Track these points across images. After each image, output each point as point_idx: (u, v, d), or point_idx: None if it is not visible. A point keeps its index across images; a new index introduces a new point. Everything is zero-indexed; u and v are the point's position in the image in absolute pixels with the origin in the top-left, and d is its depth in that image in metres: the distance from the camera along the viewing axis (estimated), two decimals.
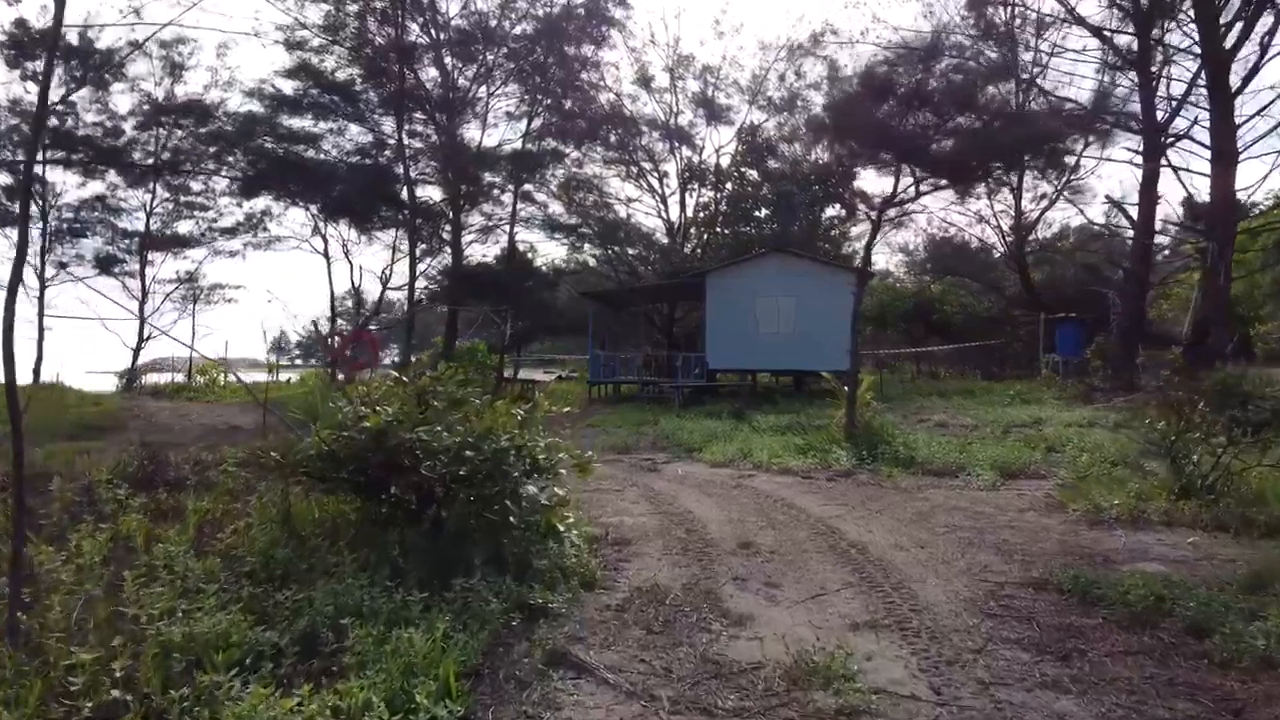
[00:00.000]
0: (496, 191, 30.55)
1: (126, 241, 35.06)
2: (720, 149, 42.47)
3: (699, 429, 17.17)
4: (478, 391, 6.70)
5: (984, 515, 8.41)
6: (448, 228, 28.76)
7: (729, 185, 41.50)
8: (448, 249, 29.00)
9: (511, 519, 5.66)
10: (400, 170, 23.31)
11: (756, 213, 40.46)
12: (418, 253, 24.83)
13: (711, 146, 42.29)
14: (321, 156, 23.25)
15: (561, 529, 6.31)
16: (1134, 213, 27.20)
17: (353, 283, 22.62)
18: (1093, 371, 26.47)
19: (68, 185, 34.66)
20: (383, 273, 22.98)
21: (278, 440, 7.78)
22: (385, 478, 5.66)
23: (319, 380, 33.90)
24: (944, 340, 42.00)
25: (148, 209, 35.91)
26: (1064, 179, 38.00)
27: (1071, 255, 42.95)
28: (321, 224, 23.25)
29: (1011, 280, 44.52)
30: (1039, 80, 33.27)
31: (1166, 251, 41.76)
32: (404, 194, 23.75)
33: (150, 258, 36.62)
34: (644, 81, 40.04)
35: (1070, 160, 34.92)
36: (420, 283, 26.46)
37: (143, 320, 36.75)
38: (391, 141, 23.80)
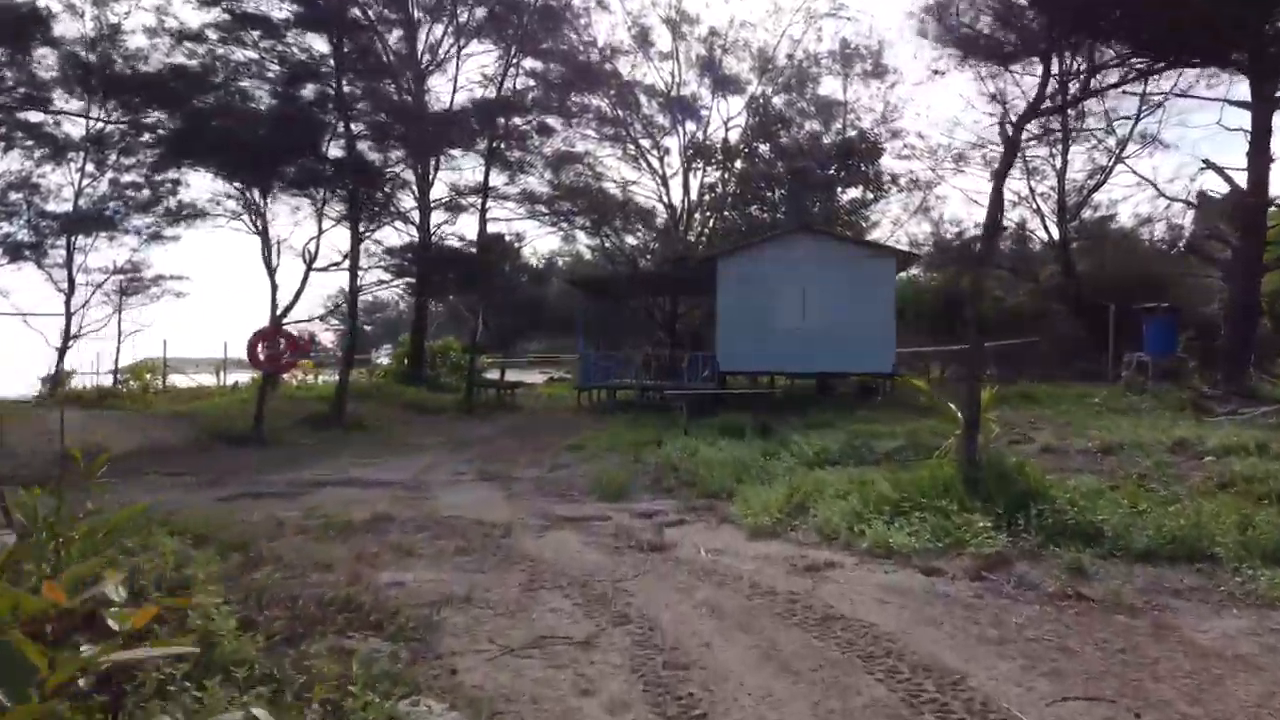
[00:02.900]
0: (459, 153, 25.50)
1: (46, 224, 29.95)
2: (729, 121, 37.60)
3: (719, 457, 12.22)
4: None
5: None
6: (407, 197, 23.84)
7: (738, 163, 36.56)
8: (399, 222, 24.01)
9: None
10: (332, 118, 18.24)
11: (769, 193, 35.55)
12: (361, 227, 19.75)
13: (719, 118, 37.47)
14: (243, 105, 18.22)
15: None
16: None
17: (265, 260, 17.54)
18: (1190, 374, 21.61)
19: None
20: (304, 250, 17.98)
21: None
22: None
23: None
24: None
25: (76, 188, 30.96)
26: (1123, 142, 33.11)
27: (1128, 239, 38.23)
28: (237, 188, 18.21)
29: (1050, 269, 39.75)
30: None
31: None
32: (335, 152, 18.71)
33: (79, 244, 31.67)
34: (642, 39, 35.13)
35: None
36: (368, 262, 21.39)
37: (69, 315, 31.78)
38: (323, 87, 18.73)
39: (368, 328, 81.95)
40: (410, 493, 10.84)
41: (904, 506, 8.05)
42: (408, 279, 23.22)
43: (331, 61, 18.65)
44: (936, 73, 35.04)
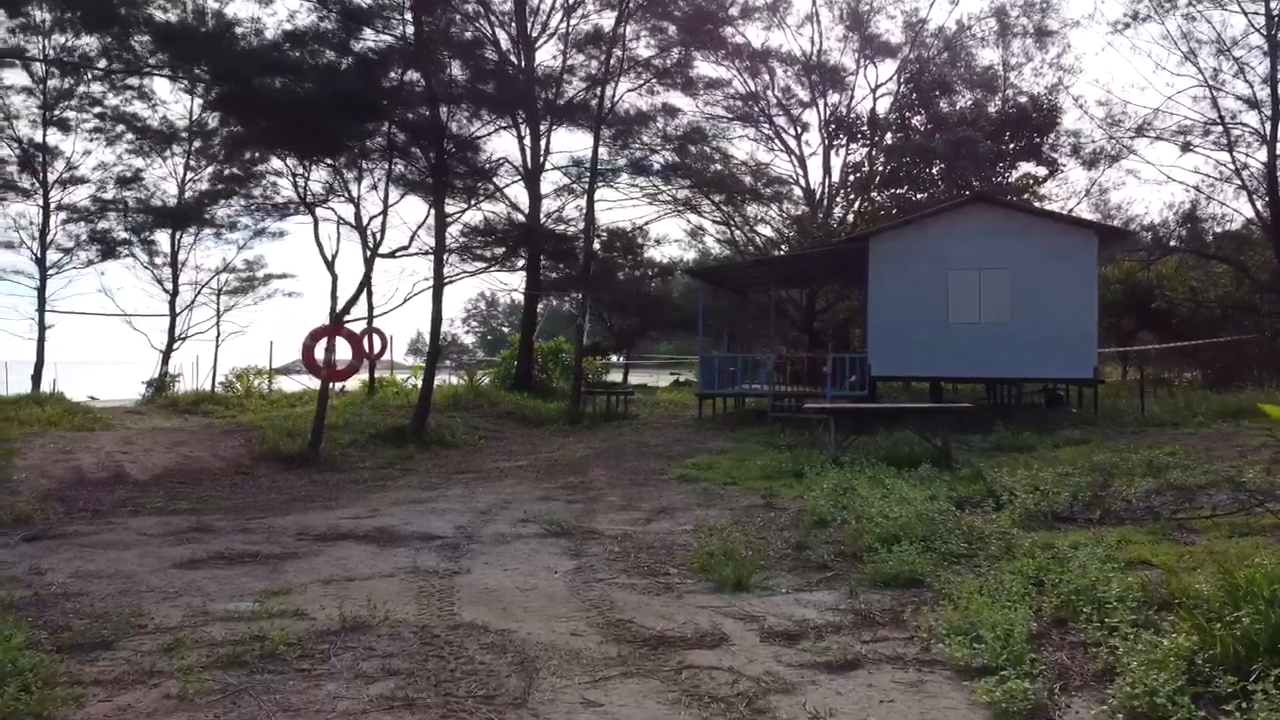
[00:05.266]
0: (566, 126, 22.24)
1: (142, 218, 28.45)
2: (877, 89, 33.06)
3: (890, 508, 8.24)
4: None
5: None
6: (507, 175, 20.69)
7: (888, 137, 32.09)
8: (502, 205, 20.90)
9: None
10: (399, 70, 15.16)
11: (925, 171, 30.88)
12: (447, 205, 16.70)
13: (866, 85, 33.05)
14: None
15: None
16: None
17: (318, 243, 14.72)
18: None
19: (75, 151, 27.48)
20: (365, 228, 15.05)
21: None
22: None
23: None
24: (1162, 335, 31.89)
25: (180, 182, 29.48)
26: None
27: None
28: (281, 157, 15.53)
29: (1260, 256, 33.47)
30: None
31: None
32: (409, 116, 15.60)
33: (183, 243, 30.25)
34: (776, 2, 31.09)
35: None
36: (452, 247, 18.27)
37: (173, 316, 30.41)
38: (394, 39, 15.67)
39: (504, 329, 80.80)
40: (438, 561, 7.44)
41: None
42: (495, 266, 19.94)
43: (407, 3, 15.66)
44: (1130, 20, 29.89)
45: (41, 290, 27.46)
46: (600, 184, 23.86)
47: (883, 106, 32.99)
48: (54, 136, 27.09)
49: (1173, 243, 36.02)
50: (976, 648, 4.76)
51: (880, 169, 31.62)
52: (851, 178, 32.81)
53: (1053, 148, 31.72)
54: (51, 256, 27.55)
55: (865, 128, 32.06)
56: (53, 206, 27.55)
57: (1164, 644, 4.40)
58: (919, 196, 30.33)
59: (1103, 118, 31.83)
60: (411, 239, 16.15)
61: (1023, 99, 32.34)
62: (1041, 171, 32.59)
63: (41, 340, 27.19)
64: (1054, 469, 10.59)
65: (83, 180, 28.04)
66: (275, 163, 17.87)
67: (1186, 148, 31.37)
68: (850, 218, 32.19)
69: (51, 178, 27.19)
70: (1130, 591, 5.35)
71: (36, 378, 26.63)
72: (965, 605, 5.43)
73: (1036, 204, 33.38)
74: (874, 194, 31.97)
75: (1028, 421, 16.65)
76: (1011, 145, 31.07)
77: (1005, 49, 34.84)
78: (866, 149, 32.38)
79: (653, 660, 4.82)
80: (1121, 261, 33.14)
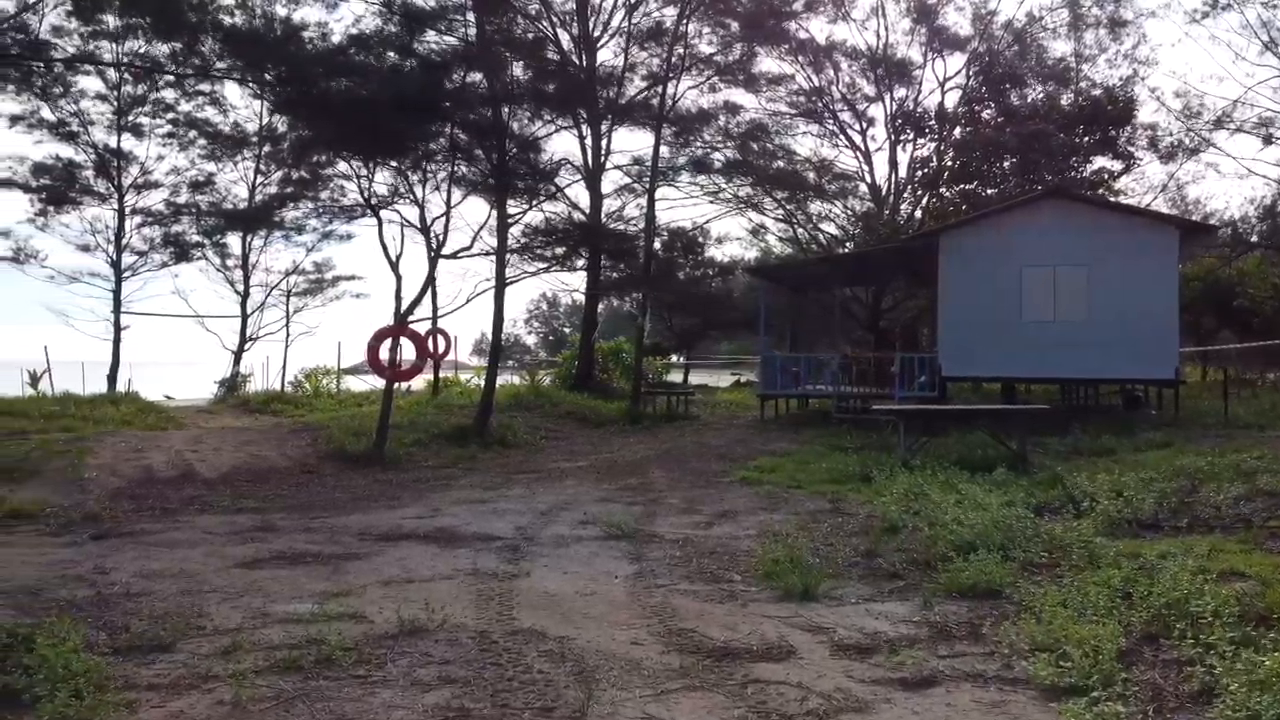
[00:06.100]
0: (628, 126, 22.11)
1: (215, 221, 29.05)
2: (945, 82, 32.26)
3: (965, 514, 7.90)
4: None
5: None
6: (568, 174, 20.65)
7: (957, 131, 31.31)
8: (562, 204, 20.82)
9: None
10: (466, 74, 15.19)
11: (995, 166, 30.02)
12: (509, 204, 16.70)
13: (934, 78, 32.28)
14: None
15: None
16: None
17: (383, 244, 14.77)
18: None
19: (149, 156, 27.97)
20: (428, 228, 15.11)
21: None
22: None
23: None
24: (1244, 334, 30.54)
25: (250, 186, 30.09)
26: None
27: None
28: (346, 160, 15.64)
29: None
30: None
31: None
32: (468, 115, 15.61)
33: (254, 245, 30.88)
34: None
35: None
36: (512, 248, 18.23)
37: (245, 317, 31.08)
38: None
39: (565, 330, 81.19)
40: (498, 563, 7.33)
41: None
42: (557, 266, 19.82)
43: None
44: (1208, 9, 28.71)
45: (117, 292, 28.09)
46: (661, 183, 23.69)
47: (951, 100, 32.26)
48: (128, 142, 27.71)
49: (1254, 238, 34.67)
50: (1063, 665, 4.48)
51: (949, 164, 30.85)
52: (919, 173, 32.10)
53: (1129, 141, 30.61)
54: (126, 260, 28.20)
55: (933, 122, 31.32)
56: (127, 210, 28.21)
57: (1265, 663, 4.10)
58: (989, 192, 29.51)
59: (1180, 110, 30.74)
60: (474, 240, 16.09)
61: (1096, 91, 31.24)
62: (1117, 166, 31.44)
63: (117, 341, 27.80)
64: (1137, 473, 10.10)
65: (156, 185, 28.67)
66: (342, 165, 17.97)
67: (1268, 140, 30.18)
68: (918, 214, 31.50)
69: (126, 182, 27.85)
70: (1226, 605, 5.01)
71: (112, 378, 27.28)
72: (1048, 619, 5.14)
73: (1112, 199, 32.34)
74: (942, 190, 31.22)
75: (1106, 423, 16.02)
76: (1085, 139, 30.05)
77: (1078, 40, 33.71)
78: (935, 144, 31.64)
79: (717, 673, 4.63)
80: (1201, 258, 31.88)
